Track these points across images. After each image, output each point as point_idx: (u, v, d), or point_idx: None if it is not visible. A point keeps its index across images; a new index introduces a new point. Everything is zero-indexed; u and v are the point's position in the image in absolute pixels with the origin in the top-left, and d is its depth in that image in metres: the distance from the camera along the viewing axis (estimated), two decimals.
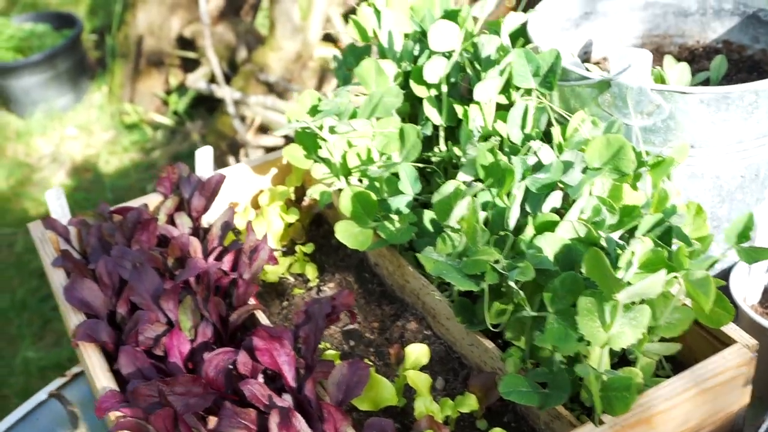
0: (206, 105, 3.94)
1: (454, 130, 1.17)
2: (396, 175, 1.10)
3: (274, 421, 0.86)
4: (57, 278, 1.12)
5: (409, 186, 1.05)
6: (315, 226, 1.32)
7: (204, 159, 1.26)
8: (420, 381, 0.95)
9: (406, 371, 0.96)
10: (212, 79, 3.64)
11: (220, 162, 3.26)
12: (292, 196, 1.31)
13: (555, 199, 0.96)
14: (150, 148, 3.89)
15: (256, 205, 1.32)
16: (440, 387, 1.03)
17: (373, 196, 1.07)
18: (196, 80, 3.51)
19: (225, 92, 2.91)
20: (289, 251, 1.27)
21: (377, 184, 1.10)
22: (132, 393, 0.91)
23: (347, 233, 1.07)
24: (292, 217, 1.24)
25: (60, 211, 1.21)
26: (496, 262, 0.89)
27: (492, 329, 1.01)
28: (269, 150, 3.18)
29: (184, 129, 3.83)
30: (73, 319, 1.05)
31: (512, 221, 0.92)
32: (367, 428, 0.87)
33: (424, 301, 1.09)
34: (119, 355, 0.98)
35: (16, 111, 4.11)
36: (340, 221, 1.08)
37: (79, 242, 1.21)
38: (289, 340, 0.94)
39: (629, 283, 0.78)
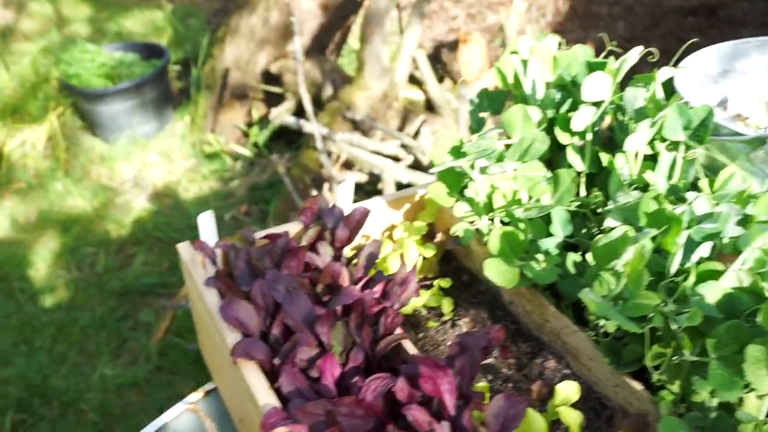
0: (285, 139, 4.03)
1: (594, 177, 1.20)
2: (542, 217, 1.14)
3: None
4: (209, 298, 1.17)
5: (560, 229, 1.09)
6: (445, 262, 1.36)
7: (345, 192, 1.31)
8: (572, 418, 0.98)
9: (557, 407, 0.99)
10: (295, 114, 3.73)
11: (304, 194, 3.33)
12: (424, 232, 1.35)
13: (705, 249, 0.99)
14: (229, 178, 3.99)
15: (388, 238, 1.37)
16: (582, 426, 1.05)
17: (521, 236, 1.11)
18: (280, 114, 3.60)
19: (314, 127, 2.99)
20: (423, 286, 1.31)
21: (522, 225, 1.14)
22: (299, 411, 0.95)
23: (496, 270, 1.11)
24: (429, 252, 1.28)
25: (209, 234, 1.27)
26: (657, 306, 0.92)
27: (636, 371, 1.04)
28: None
29: (264, 161, 3.92)
30: (230, 336, 1.10)
31: (674, 268, 0.95)
32: None
33: (564, 340, 1.13)
34: (281, 374, 1.02)
35: (102, 136, 4.23)
36: (490, 259, 1.12)
37: (224, 266, 1.27)
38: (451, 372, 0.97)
39: None
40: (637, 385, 1.01)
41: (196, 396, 1.34)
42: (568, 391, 1.01)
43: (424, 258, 1.31)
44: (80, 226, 3.79)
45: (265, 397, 1.01)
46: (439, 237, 1.33)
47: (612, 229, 0.98)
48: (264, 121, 4.05)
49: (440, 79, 4.13)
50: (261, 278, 1.15)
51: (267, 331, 1.13)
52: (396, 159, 3.22)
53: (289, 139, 4.01)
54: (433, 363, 0.95)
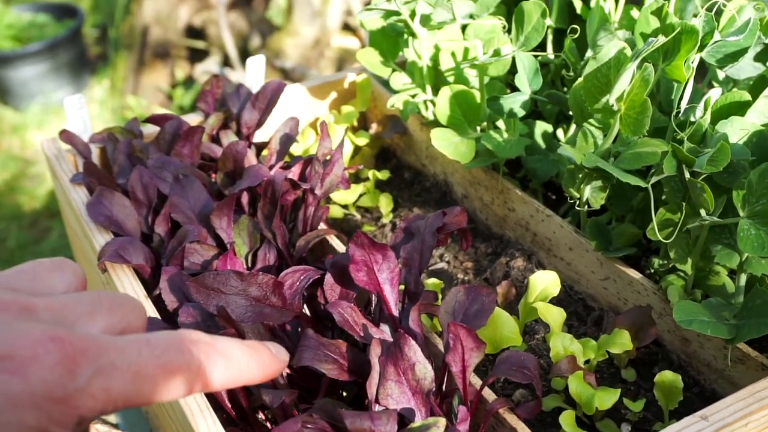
0: None
1: (563, 36, 0.96)
2: (501, 79, 0.90)
3: (375, 352, 0.64)
4: (78, 198, 0.90)
5: (526, 81, 0.84)
6: (382, 161, 1.11)
7: (255, 71, 1.05)
8: (553, 315, 0.74)
9: (534, 303, 0.74)
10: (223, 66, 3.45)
11: None
12: (355, 123, 1.10)
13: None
14: None
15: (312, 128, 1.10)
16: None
17: (477, 98, 0.86)
18: (207, 68, 3.31)
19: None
20: (356, 182, 1.05)
21: (477, 92, 0.89)
22: (195, 285, 0.67)
23: (447, 142, 0.86)
24: (363, 140, 1.03)
25: (81, 124, 1.00)
26: (665, 153, 0.68)
27: (630, 260, 0.81)
28: None
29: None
30: (100, 240, 0.83)
31: (685, 100, 0.71)
32: (503, 363, 0.65)
33: (535, 231, 0.88)
34: (162, 276, 0.75)
35: (12, 103, 3.90)
36: (436, 129, 0.87)
37: (102, 165, 1.00)
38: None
39: None
40: (634, 273, 0.77)
41: None
42: (545, 281, 0.76)
43: (357, 148, 1.05)
44: None
45: None
46: (373, 128, 1.08)
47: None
48: (188, 81, 3.75)
49: None
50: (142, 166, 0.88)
51: (149, 232, 0.86)
52: None
53: None
54: (369, 242, 0.69)
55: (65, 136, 0.96)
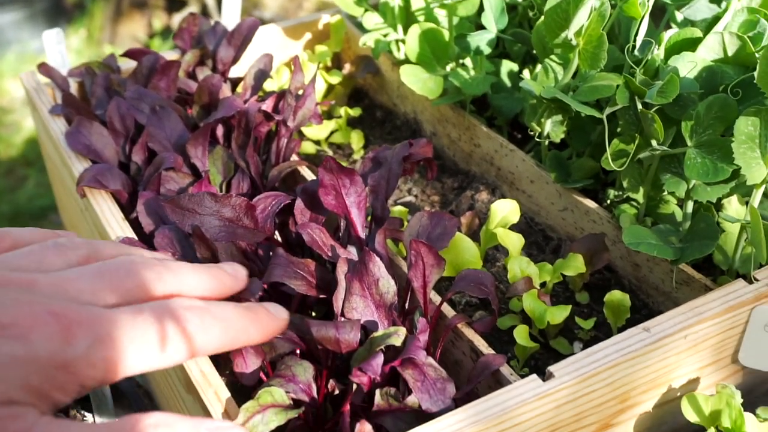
0: None
1: None
2: (470, 19, 0.93)
3: (342, 269, 0.68)
4: (57, 128, 0.93)
5: (493, 20, 0.87)
6: (354, 100, 1.14)
7: (231, 9, 1.07)
8: (512, 240, 0.78)
9: (495, 229, 0.79)
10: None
11: None
12: (329, 62, 1.12)
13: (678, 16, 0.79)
14: None
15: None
16: None
17: (446, 36, 0.89)
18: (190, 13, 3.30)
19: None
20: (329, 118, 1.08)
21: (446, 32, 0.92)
22: (171, 205, 0.70)
23: (415, 78, 0.89)
24: (336, 78, 1.05)
25: (60, 59, 1.02)
26: (619, 86, 0.72)
27: (588, 192, 0.85)
28: None
29: None
30: (79, 167, 0.86)
31: (640, 37, 0.74)
32: (461, 280, 0.69)
33: (499, 166, 0.92)
34: (139, 201, 0.79)
35: None
36: (406, 65, 0.90)
37: (81, 98, 1.02)
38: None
39: None
40: (591, 203, 0.81)
41: None
42: (505, 209, 0.80)
43: (330, 87, 1.08)
44: None
45: (119, 229, 0.78)
46: (347, 68, 1.10)
47: None
48: (166, 31, 3.73)
49: None
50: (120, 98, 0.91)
51: (127, 161, 0.89)
52: None
53: None
54: (337, 166, 0.73)
55: (44, 69, 0.98)
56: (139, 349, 0.44)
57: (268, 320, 0.54)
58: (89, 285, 0.46)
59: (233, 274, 0.57)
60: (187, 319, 0.47)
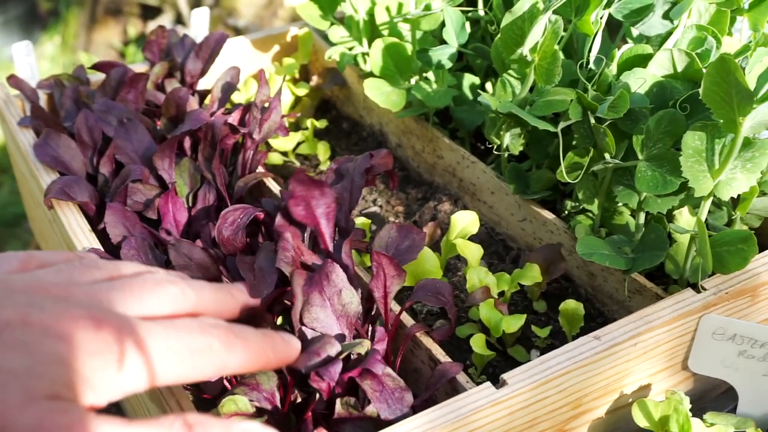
0: None
1: None
2: (433, 33, 0.95)
3: (298, 282, 0.69)
4: (25, 140, 0.94)
5: (454, 35, 0.89)
6: (321, 112, 1.15)
7: (200, 22, 1.09)
8: (471, 250, 0.80)
9: (455, 240, 0.81)
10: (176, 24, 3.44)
11: None
12: (297, 74, 1.14)
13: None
14: None
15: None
16: None
17: (408, 50, 0.92)
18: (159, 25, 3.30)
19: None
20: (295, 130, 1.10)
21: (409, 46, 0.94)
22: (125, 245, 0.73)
23: (379, 91, 0.91)
24: (303, 90, 1.07)
25: (29, 71, 1.03)
26: (573, 100, 0.74)
27: (546, 204, 0.87)
28: None
29: None
30: (47, 179, 0.87)
31: (594, 53, 0.77)
32: (420, 289, 0.71)
33: (461, 177, 0.94)
34: (107, 212, 0.80)
35: None
36: (370, 78, 0.92)
37: (50, 110, 1.03)
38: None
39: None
40: (548, 214, 0.84)
41: None
42: (465, 220, 0.82)
43: (297, 99, 1.09)
44: None
45: (85, 240, 0.79)
46: (314, 80, 1.12)
47: None
48: (141, 39, 3.73)
49: None
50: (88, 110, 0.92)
51: (95, 173, 0.90)
52: None
53: None
54: (307, 178, 0.74)
55: (13, 81, 0.99)
56: (171, 360, 0.47)
57: (284, 346, 0.57)
58: (120, 297, 0.49)
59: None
60: (213, 335, 0.49)
